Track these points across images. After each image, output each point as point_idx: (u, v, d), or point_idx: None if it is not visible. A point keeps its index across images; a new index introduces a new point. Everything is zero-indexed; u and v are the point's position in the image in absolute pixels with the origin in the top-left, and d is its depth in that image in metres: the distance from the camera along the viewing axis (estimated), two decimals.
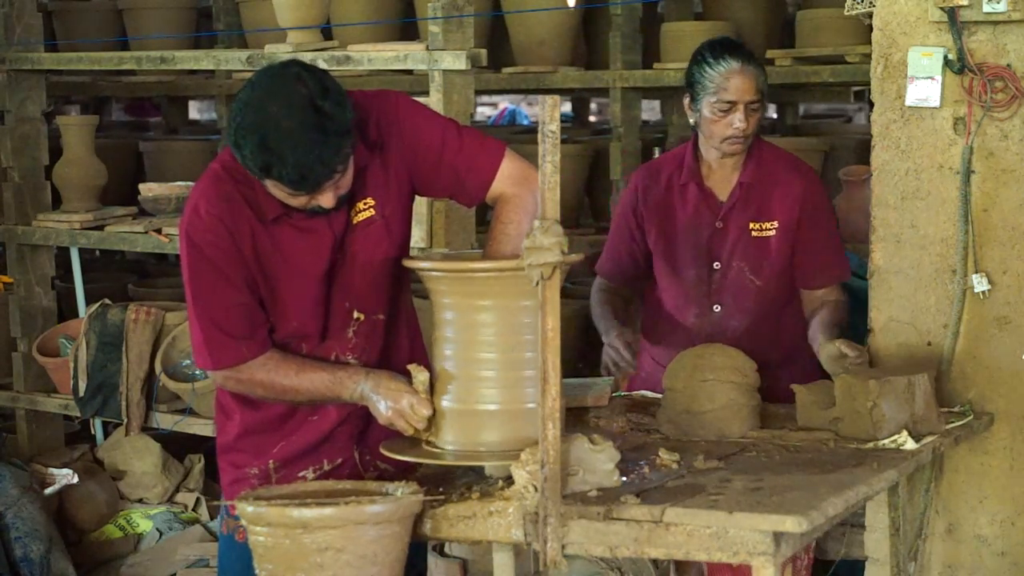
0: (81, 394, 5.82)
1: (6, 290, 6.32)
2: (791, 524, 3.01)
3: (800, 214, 4.30)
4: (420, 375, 3.35)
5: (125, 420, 5.73)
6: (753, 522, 3.04)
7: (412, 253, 3.73)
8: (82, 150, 6.27)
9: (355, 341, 3.53)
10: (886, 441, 3.63)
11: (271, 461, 3.58)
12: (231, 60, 5.69)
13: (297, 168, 3.21)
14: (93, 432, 6.30)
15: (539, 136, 3.04)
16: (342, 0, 6.61)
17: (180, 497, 6.11)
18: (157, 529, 5.89)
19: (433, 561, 4.90)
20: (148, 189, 6.08)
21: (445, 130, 3.52)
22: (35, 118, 6.23)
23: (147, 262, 8.91)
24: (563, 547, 3.13)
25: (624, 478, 3.28)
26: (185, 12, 7.41)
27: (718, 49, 4.26)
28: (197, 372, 5.58)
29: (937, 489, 4.05)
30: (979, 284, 3.93)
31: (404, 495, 3.18)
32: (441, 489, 3.32)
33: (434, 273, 3.35)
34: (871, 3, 4.06)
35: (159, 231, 5.84)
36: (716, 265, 4.34)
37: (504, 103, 15.28)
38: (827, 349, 4.06)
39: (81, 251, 6.43)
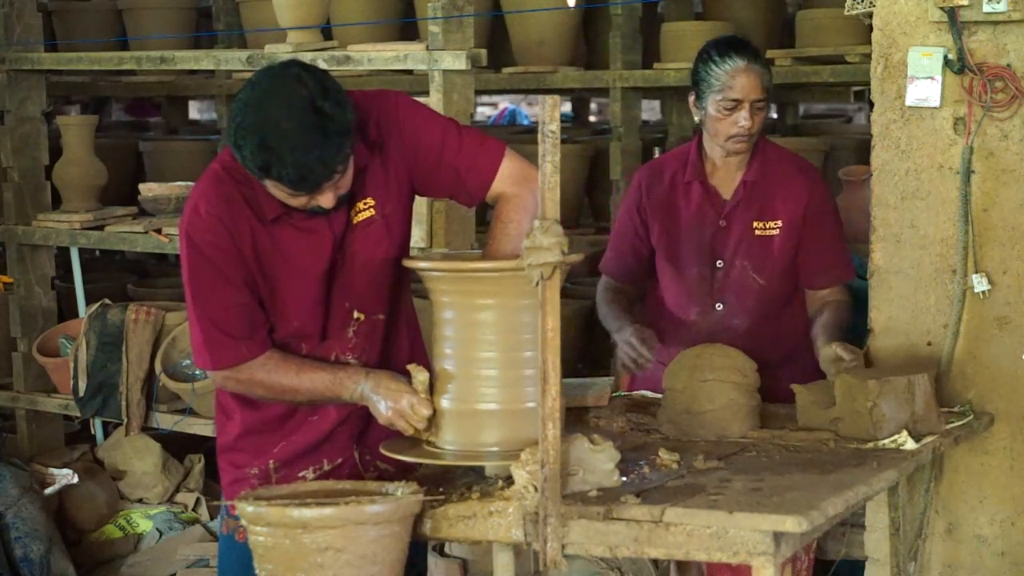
0: (81, 394, 5.82)
1: (6, 290, 6.31)
2: (791, 524, 3.01)
3: (804, 214, 4.30)
4: (420, 375, 3.35)
5: (125, 420, 5.72)
6: (753, 522, 3.04)
7: (412, 253, 3.73)
8: (82, 150, 6.27)
9: (355, 341, 3.53)
10: (886, 441, 3.62)
11: (271, 461, 3.58)
12: (231, 60, 5.68)
13: (297, 168, 3.21)
14: (93, 432, 6.30)
15: (539, 136, 3.03)
16: (342, 0, 6.61)
17: (180, 497, 6.10)
18: (157, 529, 5.89)
19: (433, 561, 4.90)
20: (148, 189, 6.08)
21: (445, 130, 3.52)
22: (35, 118, 6.23)
23: (147, 262, 8.90)
24: (563, 547, 3.13)
25: (624, 478, 3.28)
26: (185, 12, 7.41)
27: (724, 47, 4.26)
28: (197, 372, 5.57)
29: (937, 489, 4.05)
30: (979, 284, 3.93)
31: (404, 495, 3.18)
32: (441, 489, 3.31)
33: (434, 273, 3.35)
34: (871, 3, 4.06)
35: (159, 231, 5.83)
36: (719, 263, 4.33)
37: (504, 103, 15.27)
38: (825, 352, 4.06)
39: (81, 251, 6.42)
